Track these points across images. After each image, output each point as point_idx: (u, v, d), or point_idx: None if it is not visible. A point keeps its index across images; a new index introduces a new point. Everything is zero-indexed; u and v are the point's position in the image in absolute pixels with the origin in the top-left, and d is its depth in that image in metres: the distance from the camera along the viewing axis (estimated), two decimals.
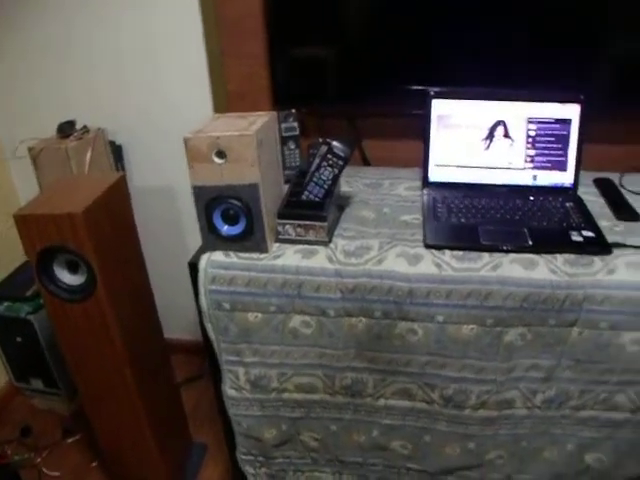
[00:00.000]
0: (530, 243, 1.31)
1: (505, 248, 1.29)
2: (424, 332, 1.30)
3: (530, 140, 1.50)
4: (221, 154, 1.23)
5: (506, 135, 1.50)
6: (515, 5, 1.51)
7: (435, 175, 1.56)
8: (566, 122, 1.49)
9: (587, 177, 1.59)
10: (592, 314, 1.25)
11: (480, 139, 1.51)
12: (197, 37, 1.84)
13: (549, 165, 1.51)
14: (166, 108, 1.99)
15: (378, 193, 1.59)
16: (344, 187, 1.60)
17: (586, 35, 1.53)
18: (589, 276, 1.23)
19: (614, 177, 1.62)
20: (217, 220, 1.31)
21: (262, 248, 1.33)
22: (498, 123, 1.50)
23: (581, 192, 1.53)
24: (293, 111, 1.60)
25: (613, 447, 1.39)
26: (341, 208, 1.48)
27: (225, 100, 1.82)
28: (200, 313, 1.39)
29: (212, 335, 1.41)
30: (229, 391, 1.49)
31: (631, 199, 1.50)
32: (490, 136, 1.51)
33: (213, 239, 1.34)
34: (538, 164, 1.51)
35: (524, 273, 1.25)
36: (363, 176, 1.69)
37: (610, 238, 1.32)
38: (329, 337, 1.34)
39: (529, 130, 1.49)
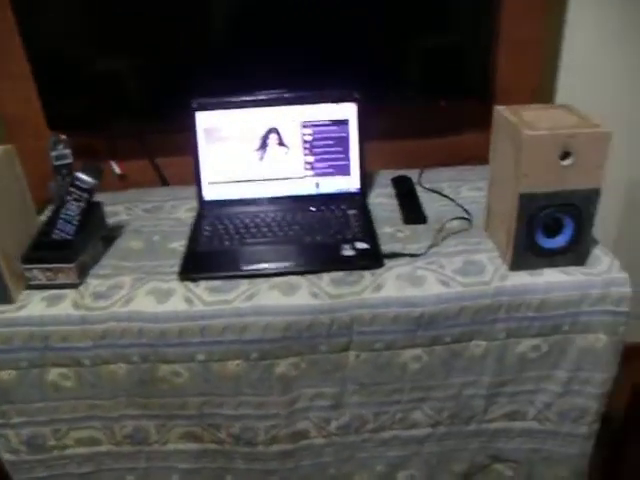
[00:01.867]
0: (294, 263, 1.20)
1: (262, 273, 1.18)
2: (189, 373, 1.19)
3: (307, 146, 1.40)
4: None
5: (281, 143, 1.39)
6: (278, 3, 1.39)
7: (210, 194, 1.43)
8: (343, 123, 1.39)
9: (387, 177, 1.54)
10: (364, 336, 1.17)
11: (253, 150, 1.40)
12: None
13: (331, 171, 1.42)
14: None
15: (155, 218, 1.45)
16: (122, 215, 1.46)
17: (356, 30, 1.45)
18: (354, 296, 1.14)
19: (415, 174, 1.56)
20: None
21: (4, 298, 1.15)
22: (270, 131, 1.39)
23: (376, 195, 1.48)
24: (63, 137, 1.42)
25: (422, 462, 1.34)
26: (109, 241, 1.34)
27: (3, 127, 1.61)
28: None
29: None
30: (5, 456, 1.33)
31: (424, 197, 1.44)
32: (263, 146, 1.40)
33: None
34: (319, 171, 1.41)
35: (283, 300, 1.15)
36: (146, 199, 1.55)
37: (388, 247, 1.25)
38: (92, 388, 1.21)
39: (305, 135, 1.39)
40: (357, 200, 1.41)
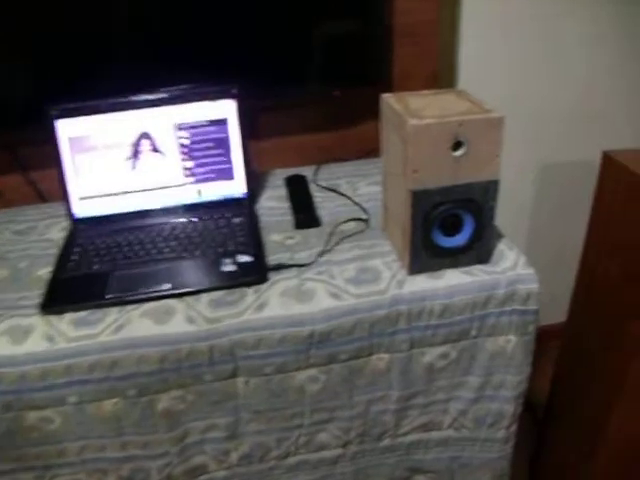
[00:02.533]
0: (169, 286, 1.06)
1: (132, 299, 1.04)
2: (61, 418, 1.04)
3: (184, 150, 1.25)
4: None
5: (154, 149, 1.24)
6: None
7: (81, 210, 1.27)
8: (222, 122, 1.25)
9: (281, 176, 1.42)
10: (251, 361, 1.05)
11: (124, 159, 1.24)
12: None
13: (213, 176, 1.28)
14: None
15: (26, 241, 1.27)
16: None
17: (230, 17, 1.31)
18: (234, 318, 1.02)
19: (311, 171, 1.45)
20: None
21: None
22: (142, 136, 1.23)
23: (267, 198, 1.36)
24: None
25: None
26: None
27: None
28: None
29: None
30: None
31: (320, 197, 1.33)
32: (135, 153, 1.24)
33: None
34: (200, 177, 1.27)
35: (156, 329, 1.01)
36: (19, 219, 1.37)
37: (275, 258, 1.13)
38: None
39: (180, 139, 1.24)
40: (243, 206, 1.28)
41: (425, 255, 1.04)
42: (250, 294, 1.04)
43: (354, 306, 1.02)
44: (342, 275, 1.06)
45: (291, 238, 1.20)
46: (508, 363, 1.13)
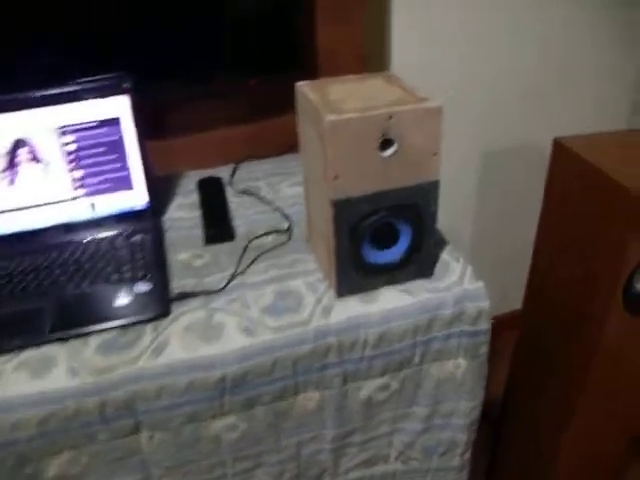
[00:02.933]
0: (48, 329, 0.87)
1: (5, 348, 0.84)
2: None
3: (71, 158, 1.04)
4: None
5: (34, 158, 1.03)
6: None
7: None
8: (114, 122, 1.05)
9: (193, 180, 1.23)
10: (154, 414, 0.88)
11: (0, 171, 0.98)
12: None
13: (108, 186, 1.08)
14: None
15: None
16: None
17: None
18: (128, 366, 0.84)
19: (226, 172, 1.27)
20: None
21: None
22: (18, 143, 1.02)
23: (176, 207, 1.17)
24: None
25: None
26: None
27: None
28: None
29: None
30: None
31: (235, 203, 1.16)
32: (12, 164, 1.02)
33: None
34: (93, 188, 1.07)
35: (32, 385, 0.82)
36: None
37: (180, 284, 0.96)
38: None
39: (65, 144, 1.03)
40: (145, 220, 1.09)
41: (355, 274, 0.88)
42: (148, 333, 0.87)
43: (271, 343, 0.86)
44: (257, 303, 0.90)
45: (200, 257, 1.02)
46: (458, 389, 1.00)
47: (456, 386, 0.99)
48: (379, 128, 0.77)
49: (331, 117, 0.74)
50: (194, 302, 0.91)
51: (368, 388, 0.95)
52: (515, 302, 1.56)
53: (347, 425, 0.98)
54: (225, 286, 0.92)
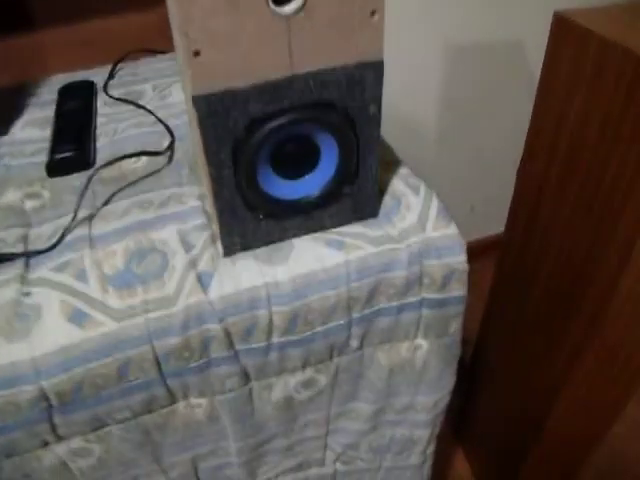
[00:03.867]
0: None
1: None
2: None
3: None
4: None
5: None
6: None
7: None
8: None
9: (57, 86, 0.88)
10: None
11: None
12: None
13: None
14: None
15: None
16: None
17: None
18: None
19: (103, 75, 0.91)
20: None
21: None
22: None
23: (24, 123, 0.82)
24: None
25: None
26: None
27: None
28: None
29: None
30: None
31: (106, 116, 0.82)
32: None
33: None
34: None
35: None
36: None
37: None
38: None
39: None
40: None
41: (250, 217, 0.56)
42: None
43: (115, 336, 0.54)
44: (100, 269, 0.57)
45: (35, 197, 0.68)
46: (418, 379, 0.71)
47: (415, 375, 0.70)
48: None
49: None
50: (7, 269, 0.58)
51: (283, 386, 0.65)
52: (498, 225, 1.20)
53: (258, 434, 0.69)
54: (57, 243, 0.60)
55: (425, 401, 0.72)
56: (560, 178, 0.84)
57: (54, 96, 0.84)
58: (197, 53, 0.44)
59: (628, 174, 0.69)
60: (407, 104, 1.37)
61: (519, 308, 1.04)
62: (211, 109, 0.46)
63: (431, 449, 0.84)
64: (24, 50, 0.95)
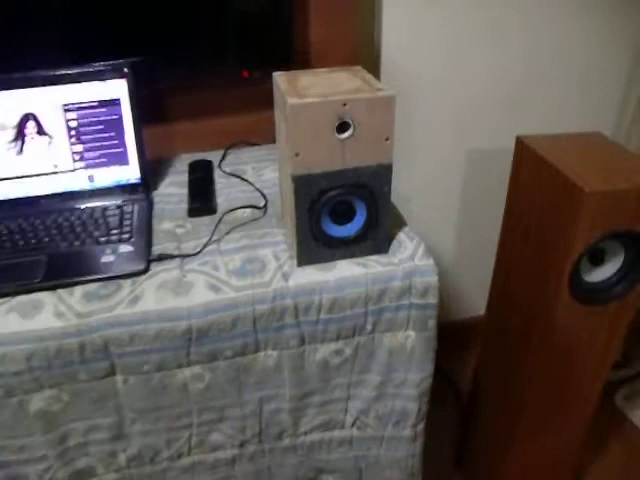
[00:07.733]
0: (40, 277, 0.98)
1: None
2: None
3: (73, 133, 1.16)
4: None
5: (40, 131, 1.14)
6: None
7: None
8: (114, 103, 1.16)
9: (186, 162, 1.36)
10: (127, 358, 0.97)
11: (7, 142, 1.14)
12: None
13: (106, 160, 1.19)
14: None
15: None
16: None
17: None
18: (106, 312, 0.94)
19: (217, 156, 1.39)
20: None
21: None
22: (27, 117, 1.13)
23: (168, 184, 1.29)
24: None
25: None
26: None
27: None
28: None
29: None
30: None
31: (222, 183, 1.26)
32: (20, 136, 1.14)
33: None
34: (91, 162, 1.18)
35: (21, 325, 0.92)
36: None
37: (161, 247, 1.06)
38: None
39: (69, 121, 1.15)
40: (138, 193, 1.20)
41: (315, 245, 0.97)
42: (126, 287, 0.97)
43: (234, 300, 0.95)
44: (226, 266, 0.99)
45: (182, 227, 1.12)
46: (409, 360, 1.08)
47: (406, 357, 1.07)
48: (335, 112, 0.87)
49: (292, 101, 0.85)
50: (171, 263, 1.01)
51: (324, 351, 1.03)
52: None
53: (304, 386, 1.06)
54: (200, 251, 1.03)
55: (413, 378, 1.08)
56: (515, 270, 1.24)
57: (185, 168, 1.30)
58: (297, 154, 0.90)
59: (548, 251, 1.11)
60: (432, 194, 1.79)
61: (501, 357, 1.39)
62: (300, 183, 0.89)
63: (420, 427, 1.18)
64: (162, 135, 1.42)
